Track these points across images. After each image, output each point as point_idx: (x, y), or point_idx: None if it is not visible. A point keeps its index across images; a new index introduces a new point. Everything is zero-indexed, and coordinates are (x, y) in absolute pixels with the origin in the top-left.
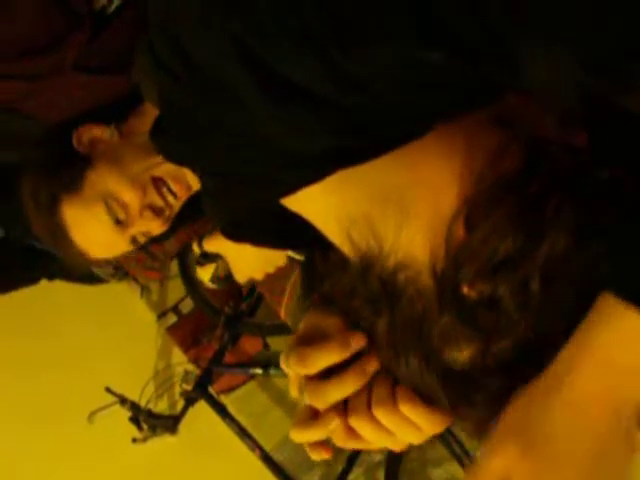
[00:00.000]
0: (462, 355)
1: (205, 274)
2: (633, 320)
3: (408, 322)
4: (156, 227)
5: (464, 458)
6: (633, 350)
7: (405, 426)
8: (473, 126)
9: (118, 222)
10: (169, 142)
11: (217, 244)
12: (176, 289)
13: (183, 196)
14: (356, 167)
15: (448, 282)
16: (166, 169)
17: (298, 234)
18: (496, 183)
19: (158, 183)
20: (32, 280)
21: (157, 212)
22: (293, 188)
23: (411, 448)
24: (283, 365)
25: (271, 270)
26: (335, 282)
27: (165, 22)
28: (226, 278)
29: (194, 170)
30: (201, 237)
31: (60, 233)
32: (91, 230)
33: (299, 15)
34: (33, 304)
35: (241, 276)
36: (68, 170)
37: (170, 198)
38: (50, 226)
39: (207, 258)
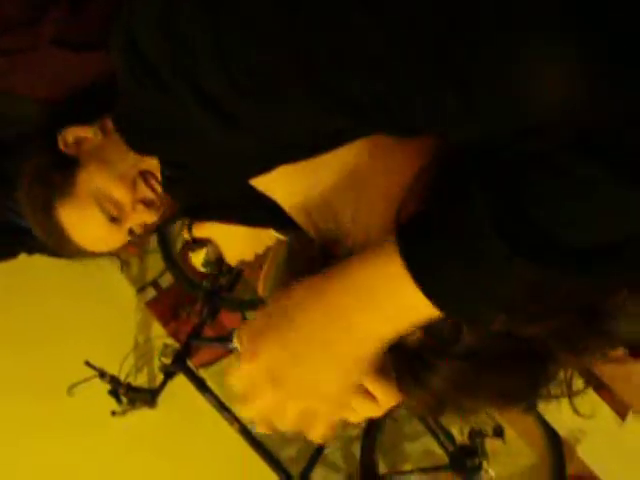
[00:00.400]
0: (413, 335)
1: (197, 259)
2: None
3: None
4: (150, 218)
5: (439, 432)
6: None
7: (362, 399)
8: None
9: (113, 219)
10: (131, 131)
11: (206, 229)
12: (155, 264)
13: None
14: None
15: None
16: (153, 162)
17: (264, 213)
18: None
19: (146, 176)
20: (10, 254)
21: (149, 204)
22: (244, 177)
23: (387, 422)
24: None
25: (260, 250)
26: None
27: (126, 15)
28: (217, 261)
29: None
30: (190, 224)
31: (58, 234)
32: (88, 229)
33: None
34: (13, 278)
35: (232, 258)
36: (59, 173)
37: (159, 188)
38: (48, 227)
39: (197, 243)
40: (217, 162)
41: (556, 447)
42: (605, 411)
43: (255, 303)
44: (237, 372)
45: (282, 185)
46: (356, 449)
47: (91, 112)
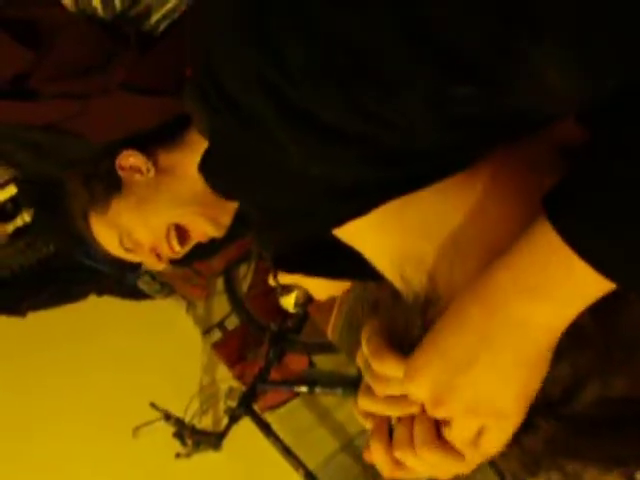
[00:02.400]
0: None
1: (287, 302)
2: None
3: None
4: (156, 266)
5: None
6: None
7: (451, 460)
8: (531, 157)
9: (127, 250)
10: (214, 173)
11: (290, 276)
12: (221, 305)
13: (191, 245)
14: (405, 203)
15: None
16: (183, 219)
17: (353, 264)
18: None
19: (170, 233)
20: (81, 295)
21: (161, 257)
22: (338, 222)
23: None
24: (363, 339)
25: (348, 285)
26: (390, 315)
27: (203, 51)
28: (307, 300)
29: (240, 202)
30: (275, 270)
31: (87, 230)
32: (106, 244)
33: (328, 62)
34: (81, 319)
35: (321, 296)
36: (102, 187)
37: (177, 248)
38: (85, 231)
39: (286, 288)
40: (309, 206)
41: None
42: None
43: (322, 346)
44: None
45: (372, 235)
46: None
47: (156, 136)
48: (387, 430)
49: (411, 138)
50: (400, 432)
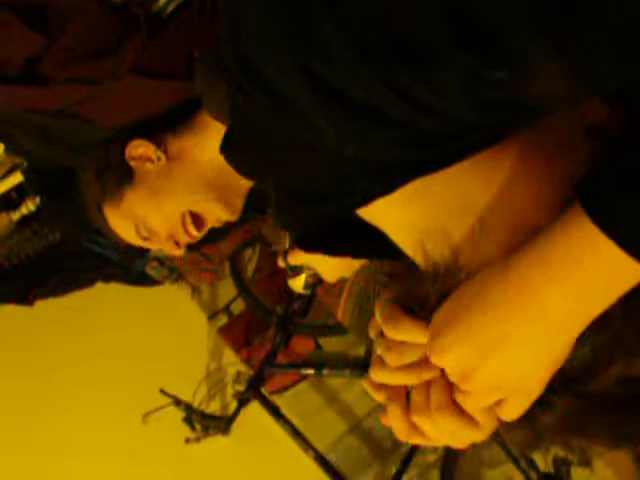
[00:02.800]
0: None
1: (297, 285)
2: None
3: None
4: (175, 252)
5: (520, 459)
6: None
7: (466, 427)
8: (558, 136)
9: (144, 238)
10: (238, 155)
11: (301, 257)
12: (227, 290)
13: (207, 229)
14: (432, 179)
15: None
16: (198, 206)
17: (372, 243)
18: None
19: (186, 219)
20: (88, 282)
21: (178, 243)
22: (364, 201)
23: (467, 449)
24: (376, 309)
25: (357, 266)
26: (405, 285)
27: (233, 35)
28: (316, 282)
29: (263, 183)
30: (285, 252)
31: (109, 228)
32: (123, 234)
33: (365, 43)
34: (88, 307)
35: (330, 278)
36: (115, 179)
37: (194, 233)
38: (100, 221)
39: (294, 270)
40: (334, 185)
41: None
42: None
43: (328, 328)
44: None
45: (396, 211)
46: (435, 475)
47: (165, 121)
48: (404, 395)
49: (445, 120)
50: (417, 397)
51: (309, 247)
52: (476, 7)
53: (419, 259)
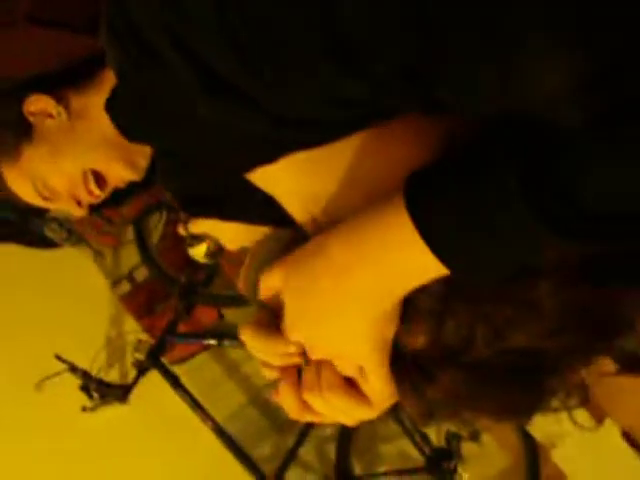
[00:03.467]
0: (416, 341)
1: (197, 252)
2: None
3: None
4: (76, 212)
5: (415, 434)
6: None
7: (356, 404)
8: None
9: (44, 198)
10: (123, 116)
11: (203, 224)
12: (130, 256)
13: (110, 189)
14: (320, 150)
15: None
16: (100, 164)
17: (264, 209)
18: None
19: (87, 177)
20: None
21: (81, 203)
22: (247, 168)
23: (362, 424)
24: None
25: (259, 237)
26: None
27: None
28: (218, 251)
29: (149, 146)
30: (185, 220)
31: (5, 187)
32: (22, 193)
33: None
34: None
35: (232, 246)
36: (12, 134)
37: (97, 192)
38: None
39: (196, 238)
40: (216, 151)
41: (531, 451)
42: (581, 415)
43: (232, 299)
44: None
45: (284, 179)
46: (331, 449)
47: (67, 76)
48: (295, 373)
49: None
50: (308, 375)
51: (195, 212)
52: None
53: (308, 228)
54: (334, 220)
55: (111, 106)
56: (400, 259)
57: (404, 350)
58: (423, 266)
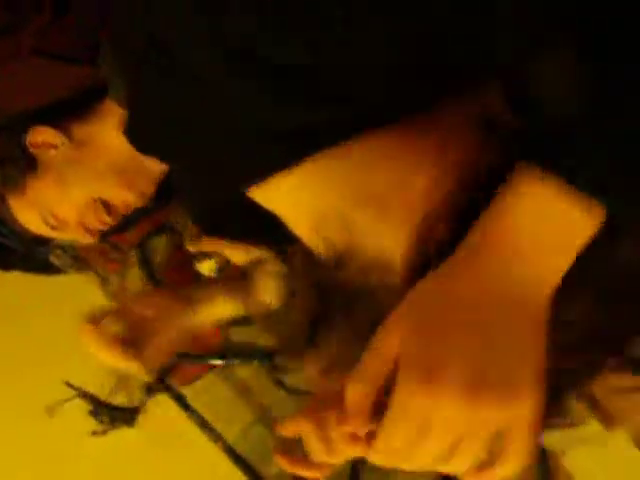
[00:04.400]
0: None
1: (206, 268)
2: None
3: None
4: (86, 240)
5: None
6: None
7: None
8: (452, 126)
9: (53, 228)
10: (142, 136)
11: (210, 241)
12: (134, 280)
13: (119, 216)
14: (327, 164)
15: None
16: (107, 192)
17: (270, 230)
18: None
19: (96, 205)
20: None
21: (90, 231)
22: (261, 176)
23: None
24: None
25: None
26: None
27: (137, 15)
28: (225, 266)
29: (168, 163)
30: (194, 237)
31: (14, 221)
32: (29, 225)
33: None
34: None
35: (240, 263)
36: (14, 169)
37: (107, 219)
38: (5, 214)
39: (204, 254)
40: (227, 161)
41: (542, 459)
42: (592, 422)
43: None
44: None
45: (289, 192)
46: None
47: (68, 107)
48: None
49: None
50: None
51: (209, 230)
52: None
53: (314, 245)
54: (343, 231)
55: (129, 129)
56: (558, 237)
57: None
58: (582, 226)
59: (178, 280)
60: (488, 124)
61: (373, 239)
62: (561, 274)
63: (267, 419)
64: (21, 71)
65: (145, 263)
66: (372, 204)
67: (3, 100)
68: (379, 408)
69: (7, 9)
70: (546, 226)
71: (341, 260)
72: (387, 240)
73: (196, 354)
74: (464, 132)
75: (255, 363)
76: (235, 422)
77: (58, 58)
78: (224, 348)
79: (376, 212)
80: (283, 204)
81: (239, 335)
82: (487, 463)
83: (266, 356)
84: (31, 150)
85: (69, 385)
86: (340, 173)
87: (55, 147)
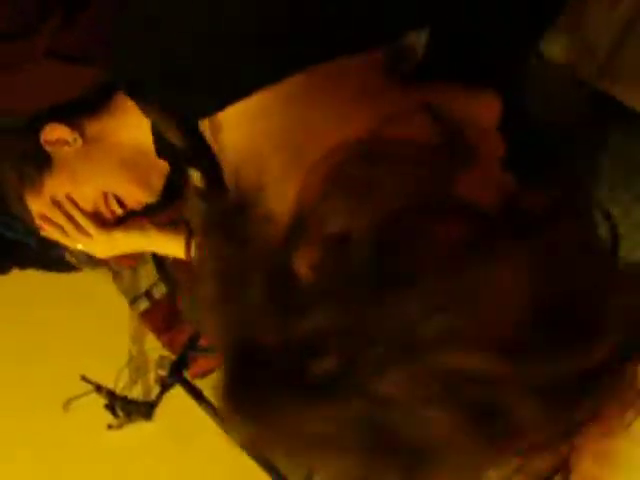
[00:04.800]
0: None
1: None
2: None
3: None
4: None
5: None
6: None
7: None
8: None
9: None
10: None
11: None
12: (148, 274)
13: (129, 208)
14: (247, 110)
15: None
16: (118, 188)
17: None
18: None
19: (107, 198)
20: (3, 270)
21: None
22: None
23: None
24: None
25: None
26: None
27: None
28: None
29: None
30: None
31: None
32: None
33: None
34: (3, 294)
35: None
36: (32, 166)
37: (119, 211)
38: (23, 213)
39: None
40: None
41: None
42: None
43: None
44: None
45: (240, 125)
46: None
47: (81, 106)
48: None
49: None
50: None
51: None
52: None
53: (230, 182)
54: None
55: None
56: None
57: None
58: None
59: (190, 277)
60: (435, 114)
61: (278, 187)
62: None
63: None
64: (36, 74)
65: (157, 257)
66: (285, 157)
67: (19, 102)
68: None
69: (21, 13)
70: None
71: (245, 201)
72: (285, 194)
73: (211, 346)
74: (375, 79)
75: None
76: None
77: (70, 59)
78: None
79: (283, 163)
80: (231, 136)
81: None
82: None
83: None
84: (46, 148)
85: (85, 379)
86: (267, 121)
87: (68, 144)
